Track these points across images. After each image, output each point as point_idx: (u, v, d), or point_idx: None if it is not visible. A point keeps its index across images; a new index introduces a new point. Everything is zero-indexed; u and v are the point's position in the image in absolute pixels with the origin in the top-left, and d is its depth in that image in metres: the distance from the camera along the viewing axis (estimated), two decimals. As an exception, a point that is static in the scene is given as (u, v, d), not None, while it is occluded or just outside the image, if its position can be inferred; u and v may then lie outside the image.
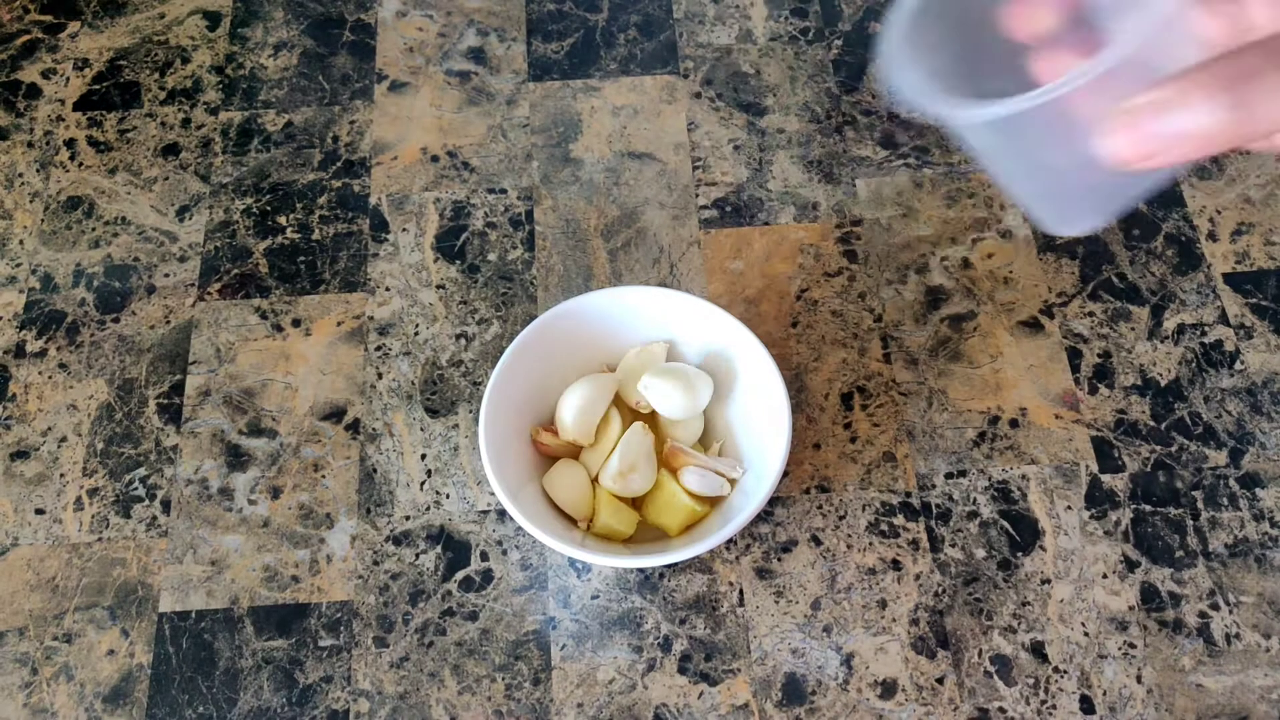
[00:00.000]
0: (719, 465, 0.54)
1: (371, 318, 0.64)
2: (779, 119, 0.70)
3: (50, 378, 0.62)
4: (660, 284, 0.64)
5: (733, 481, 0.55)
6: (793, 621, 0.55)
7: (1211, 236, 0.66)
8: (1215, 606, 0.55)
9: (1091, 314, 0.63)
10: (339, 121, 0.71)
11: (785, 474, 0.59)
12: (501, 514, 0.58)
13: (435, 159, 0.69)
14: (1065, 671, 0.54)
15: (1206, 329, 0.63)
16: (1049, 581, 0.56)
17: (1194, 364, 0.62)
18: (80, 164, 0.69)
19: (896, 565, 0.56)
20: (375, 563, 0.57)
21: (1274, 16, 0.26)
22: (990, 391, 0.61)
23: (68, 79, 0.73)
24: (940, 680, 0.53)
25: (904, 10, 0.29)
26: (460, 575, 0.56)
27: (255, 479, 0.59)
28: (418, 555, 0.57)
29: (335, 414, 0.61)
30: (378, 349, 0.63)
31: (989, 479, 0.59)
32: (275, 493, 0.58)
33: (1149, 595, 0.55)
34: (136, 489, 0.59)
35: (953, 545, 0.57)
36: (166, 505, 0.58)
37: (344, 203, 0.68)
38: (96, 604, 0.56)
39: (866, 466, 0.59)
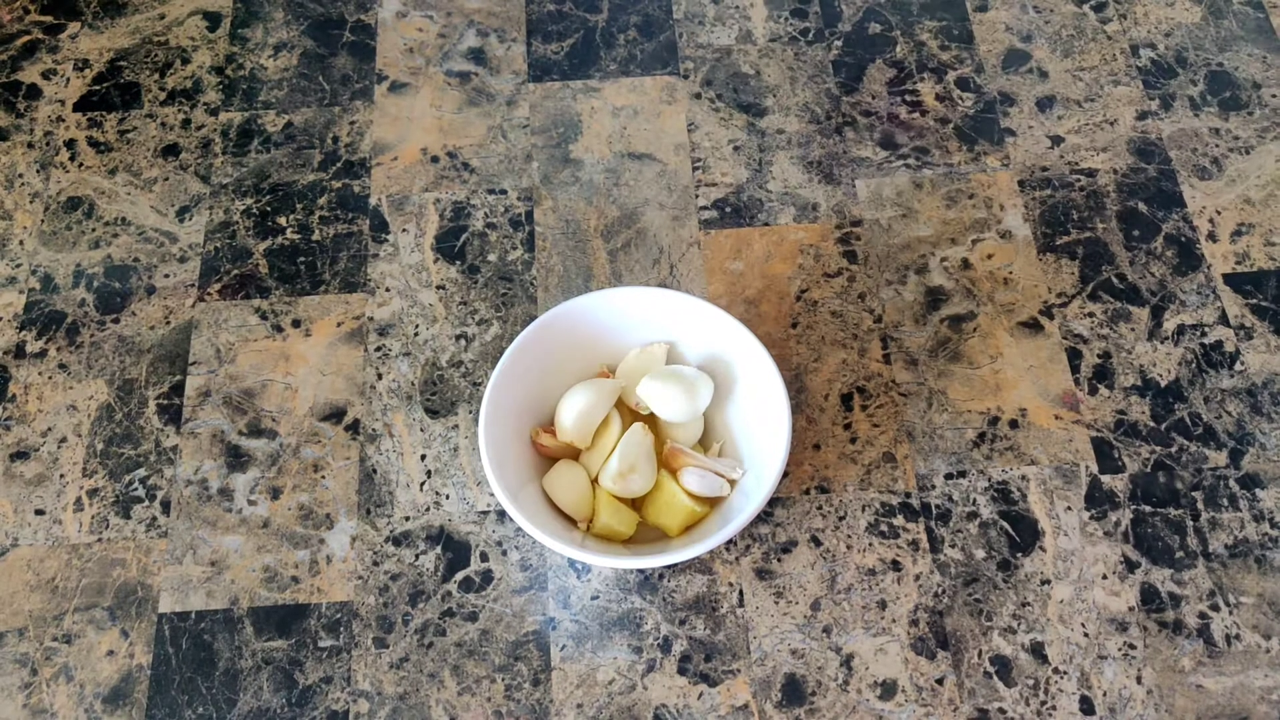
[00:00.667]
0: (719, 466, 0.54)
1: (371, 318, 0.64)
2: (779, 120, 0.70)
3: (50, 378, 0.62)
4: (660, 285, 0.64)
5: (732, 482, 0.55)
6: (792, 622, 0.55)
7: (1211, 237, 0.66)
8: (1215, 607, 0.55)
9: (1091, 314, 0.63)
10: (339, 122, 0.71)
11: (785, 475, 0.59)
12: (501, 514, 0.58)
13: (435, 160, 0.69)
14: (1065, 672, 0.54)
15: (1206, 330, 0.63)
16: (1049, 582, 0.56)
17: (1194, 365, 0.62)
18: (80, 164, 0.69)
19: (896, 566, 0.56)
20: (375, 563, 0.57)
21: None
22: (990, 392, 0.61)
23: (68, 79, 0.73)
24: (940, 681, 0.53)
25: None
26: (460, 576, 0.56)
27: (255, 479, 0.59)
28: (417, 556, 0.57)
29: (335, 414, 0.61)
30: (377, 349, 0.63)
31: (989, 479, 0.59)
32: (275, 493, 0.58)
33: (1149, 596, 0.55)
34: (136, 489, 0.59)
35: (952, 546, 0.57)
36: (166, 506, 0.58)
37: (344, 203, 0.68)
38: (96, 604, 0.56)
39: (866, 467, 0.59)
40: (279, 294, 0.64)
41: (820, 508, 0.58)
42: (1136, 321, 0.63)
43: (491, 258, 0.66)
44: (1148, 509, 0.58)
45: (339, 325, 0.63)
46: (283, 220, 0.67)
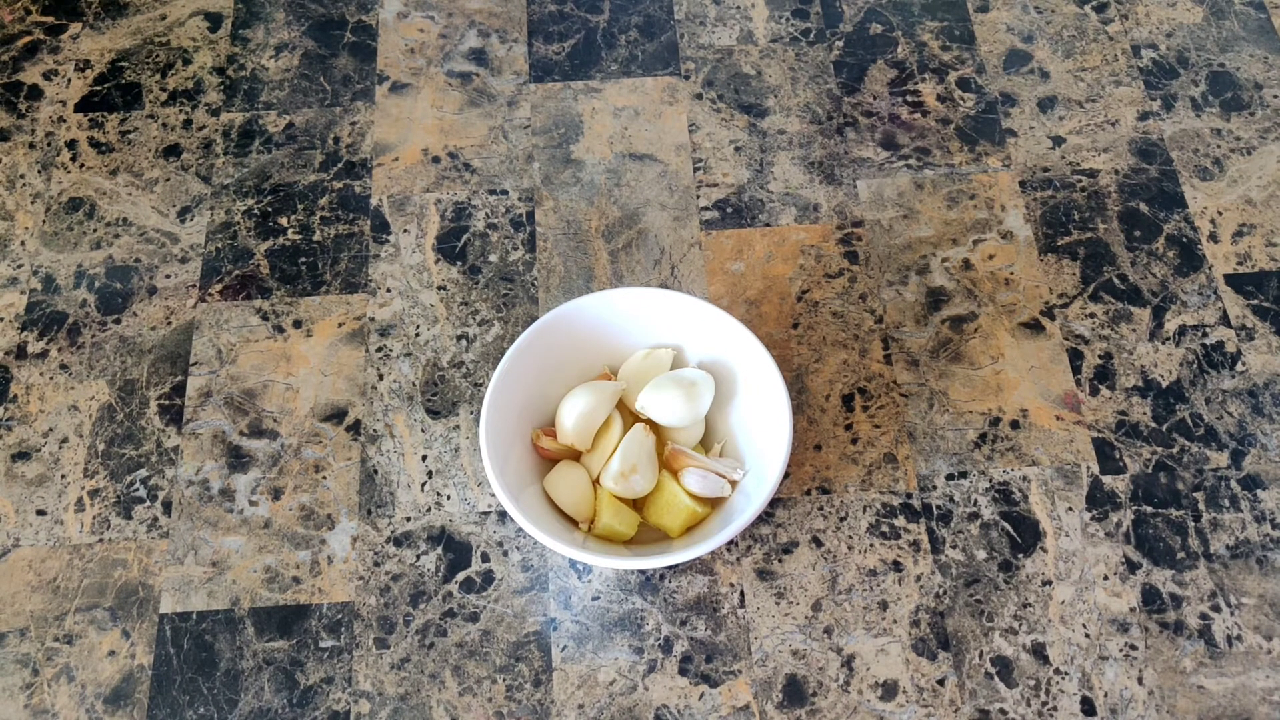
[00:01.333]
0: (720, 467, 0.54)
1: (372, 319, 0.64)
2: (780, 120, 0.70)
3: (51, 379, 0.62)
4: (661, 285, 0.64)
5: (733, 483, 0.55)
6: (794, 623, 0.55)
7: (1213, 238, 0.66)
8: (1216, 608, 0.55)
9: (1093, 315, 0.63)
10: (340, 123, 0.71)
11: (786, 475, 0.59)
12: (502, 515, 0.58)
13: (436, 160, 0.69)
14: (1066, 673, 0.54)
15: (1208, 330, 0.63)
16: (1050, 583, 0.56)
17: (1195, 365, 0.62)
18: (81, 165, 0.69)
19: (897, 566, 0.56)
20: (376, 564, 0.57)
21: None
22: (991, 393, 0.61)
23: (69, 80, 0.73)
24: (941, 682, 0.53)
25: None
26: (461, 576, 0.56)
27: (256, 480, 0.59)
28: (419, 556, 0.57)
29: (336, 415, 0.61)
30: (379, 350, 0.63)
31: (990, 480, 0.59)
32: (276, 494, 0.58)
33: (1150, 597, 0.55)
34: (138, 490, 0.59)
35: (954, 547, 0.57)
36: (167, 506, 0.58)
37: (345, 204, 0.68)
38: (97, 605, 0.56)
39: (867, 468, 0.59)
40: (280, 294, 0.65)
41: (821, 508, 0.58)
42: (1138, 322, 0.63)
43: (493, 258, 0.66)
44: (1149, 510, 0.58)
45: (340, 326, 0.63)
46: (284, 221, 0.67)
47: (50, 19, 0.76)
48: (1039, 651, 0.54)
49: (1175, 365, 0.62)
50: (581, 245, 0.66)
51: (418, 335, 0.63)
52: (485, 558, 0.57)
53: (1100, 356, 0.62)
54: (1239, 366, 0.62)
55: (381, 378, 0.62)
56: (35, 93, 0.72)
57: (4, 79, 0.73)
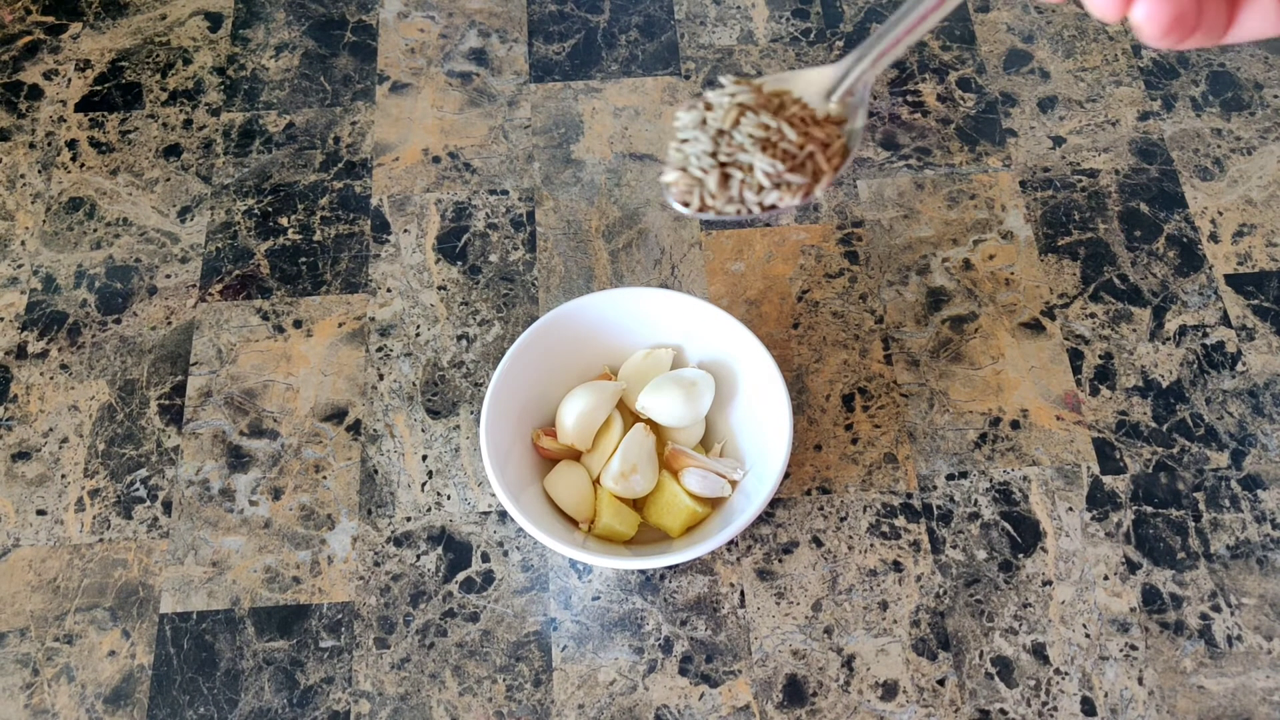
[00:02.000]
0: (720, 467, 0.54)
1: (373, 319, 0.64)
2: (780, 120, 0.70)
3: (52, 379, 0.62)
4: (661, 285, 0.64)
5: (734, 483, 0.54)
6: (794, 623, 0.55)
7: (1213, 238, 0.66)
8: (1217, 608, 0.55)
9: (1093, 315, 0.63)
10: (340, 123, 0.71)
11: (786, 475, 0.59)
12: (502, 515, 0.58)
13: (437, 160, 0.69)
14: (1066, 673, 0.54)
15: (1208, 330, 0.63)
16: (1050, 583, 0.56)
17: (1195, 365, 0.62)
18: (82, 165, 0.69)
19: (898, 566, 0.56)
20: (376, 564, 0.57)
21: None
22: (991, 393, 0.61)
23: (69, 80, 0.73)
24: (941, 682, 0.53)
25: None
26: (461, 576, 0.56)
27: (256, 480, 0.59)
28: (419, 556, 0.57)
29: (336, 415, 0.61)
30: (379, 350, 0.63)
31: (990, 480, 0.58)
32: (276, 494, 0.58)
33: (1150, 597, 0.55)
34: (138, 490, 0.59)
35: (954, 547, 0.57)
36: (168, 506, 0.58)
37: (345, 204, 0.68)
38: (98, 605, 0.56)
39: (868, 468, 0.59)
40: (280, 294, 0.64)
41: (821, 508, 0.58)
42: (1138, 322, 0.63)
43: (493, 258, 0.66)
44: (1149, 510, 0.58)
45: (340, 326, 0.63)
46: (284, 221, 0.67)
47: (50, 19, 0.76)
48: (1039, 651, 0.54)
49: (1175, 365, 0.62)
50: (582, 245, 0.66)
51: (418, 335, 0.63)
52: (485, 558, 0.57)
53: (1100, 356, 0.62)
54: (1239, 366, 0.62)
55: (382, 378, 0.62)
56: (35, 92, 0.72)
57: (4, 79, 0.73)
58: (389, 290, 0.65)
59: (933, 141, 0.69)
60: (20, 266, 0.66)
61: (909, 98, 0.71)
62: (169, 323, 0.64)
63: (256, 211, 0.67)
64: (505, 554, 0.57)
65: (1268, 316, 0.63)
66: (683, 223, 0.67)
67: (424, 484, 0.59)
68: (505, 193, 0.68)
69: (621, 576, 0.56)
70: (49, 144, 0.70)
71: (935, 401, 0.61)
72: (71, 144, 0.70)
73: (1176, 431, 0.60)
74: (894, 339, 0.63)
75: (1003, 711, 0.53)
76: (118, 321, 0.64)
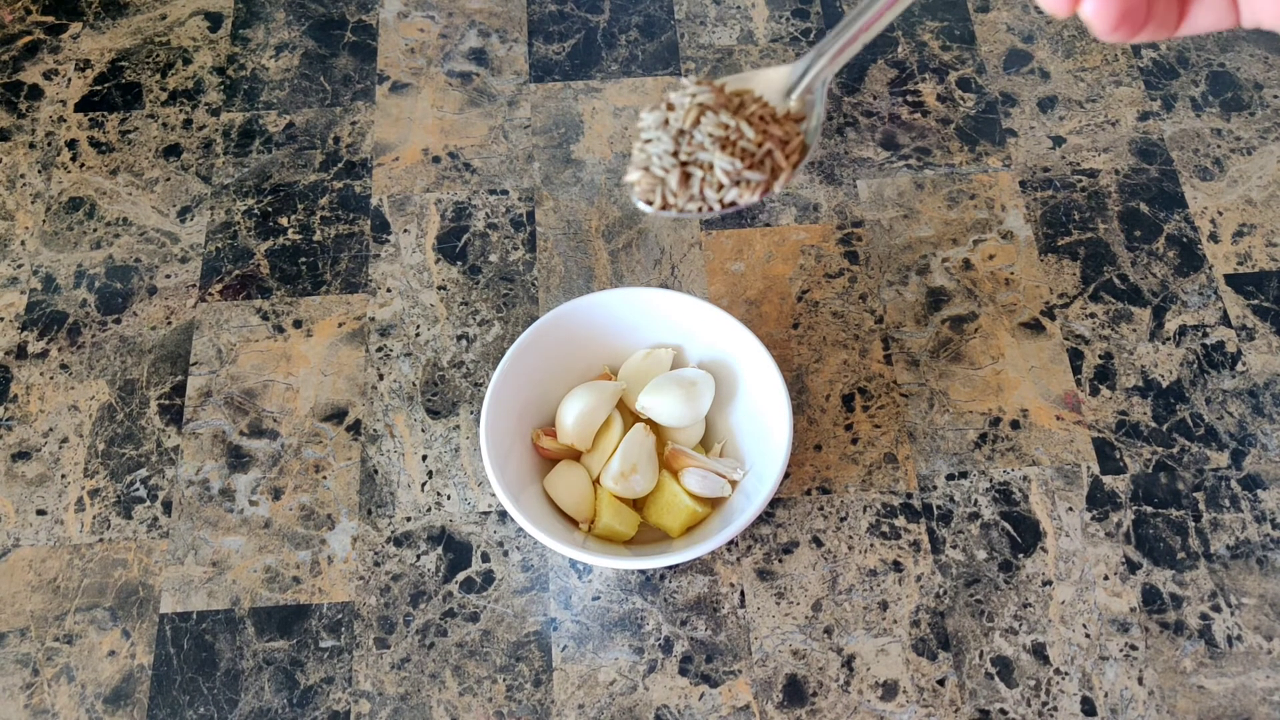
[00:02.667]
0: (720, 467, 0.54)
1: (373, 319, 0.64)
2: (780, 120, 0.70)
3: (52, 379, 0.62)
4: (661, 285, 0.64)
5: (734, 483, 0.54)
6: (794, 623, 0.55)
7: (1213, 238, 0.66)
8: (1217, 608, 0.55)
9: (1093, 315, 0.63)
10: (340, 122, 0.71)
11: (786, 475, 0.59)
12: (502, 515, 0.58)
13: (436, 160, 0.69)
14: (1066, 673, 0.54)
15: (1208, 330, 0.63)
16: (1050, 583, 0.56)
17: (1195, 365, 0.62)
18: (82, 165, 0.69)
19: (898, 567, 0.56)
20: (376, 564, 0.57)
21: None
22: (991, 393, 0.61)
23: (69, 80, 0.73)
24: (941, 682, 0.53)
25: None
26: (461, 576, 0.56)
27: (256, 480, 0.59)
28: (419, 556, 0.57)
29: (336, 415, 0.61)
30: (379, 350, 0.63)
31: (990, 480, 0.58)
32: (276, 494, 0.58)
33: (1150, 597, 0.55)
34: (138, 490, 0.59)
35: (954, 547, 0.57)
36: (168, 506, 0.58)
37: (345, 204, 0.68)
38: (98, 605, 0.56)
39: (867, 468, 0.59)
40: (280, 294, 0.64)
41: (821, 508, 0.58)
42: (1138, 322, 0.63)
43: (493, 258, 0.66)
44: (1149, 510, 0.58)
45: (340, 326, 0.63)
46: (284, 221, 0.67)
47: (50, 19, 0.76)
48: (1039, 651, 0.54)
49: (1175, 365, 0.62)
50: (582, 245, 0.66)
51: (418, 335, 0.63)
52: (485, 558, 0.57)
53: (1100, 356, 0.62)
54: (1239, 366, 0.62)
55: (382, 378, 0.62)
56: (35, 92, 0.72)
57: (4, 79, 0.73)
58: (389, 290, 0.65)
59: (933, 141, 0.69)
60: (20, 266, 0.66)
61: (909, 98, 0.71)
62: (169, 323, 0.64)
63: (256, 211, 0.67)
64: (505, 554, 0.57)
65: (1268, 316, 0.63)
66: (683, 223, 0.67)
67: (424, 484, 0.59)
68: (505, 193, 0.68)
69: (621, 576, 0.56)
70: (49, 144, 0.70)
71: (935, 401, 0.61)
72: (71, 144, 0.70)
73: (1176, 431, 0.60)
74: (894, 339, 0.63)
75: (1003, 711, 0.53)
76: (118, 321, 0.64)
